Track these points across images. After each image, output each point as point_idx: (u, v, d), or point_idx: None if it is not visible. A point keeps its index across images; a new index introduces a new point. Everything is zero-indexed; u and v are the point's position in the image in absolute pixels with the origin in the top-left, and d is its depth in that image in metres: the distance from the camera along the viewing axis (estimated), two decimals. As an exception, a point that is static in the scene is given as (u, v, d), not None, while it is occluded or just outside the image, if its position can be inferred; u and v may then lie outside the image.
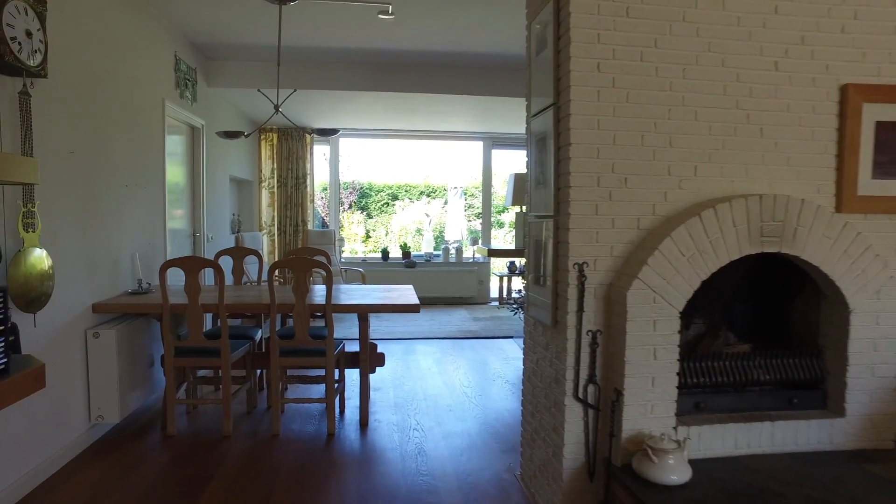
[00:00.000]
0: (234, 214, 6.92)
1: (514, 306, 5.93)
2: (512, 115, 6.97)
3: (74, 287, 3.16)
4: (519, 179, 5.63)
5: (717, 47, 2.26)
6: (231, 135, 4.01)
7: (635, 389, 2.16)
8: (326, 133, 4.19)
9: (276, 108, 4.07)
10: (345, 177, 14.42)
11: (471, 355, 5.51)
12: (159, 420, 3.62)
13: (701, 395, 2.36)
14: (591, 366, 2.25)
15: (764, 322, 2.61)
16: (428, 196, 14.60)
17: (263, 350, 4.02)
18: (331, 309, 3.39)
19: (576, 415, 2.27)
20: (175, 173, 4.94)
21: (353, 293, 3.98)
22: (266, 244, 7.94)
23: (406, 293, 3.97)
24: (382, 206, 14.70)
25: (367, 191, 14.65)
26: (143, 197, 4.09)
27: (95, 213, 3.39)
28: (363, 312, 3.58)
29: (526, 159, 2.76)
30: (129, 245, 3.83)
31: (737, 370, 2.38)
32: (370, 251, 14.08)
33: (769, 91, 2.30)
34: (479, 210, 14.62)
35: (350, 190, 14.32)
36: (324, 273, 3.40)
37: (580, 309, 2.23)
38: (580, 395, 2.26)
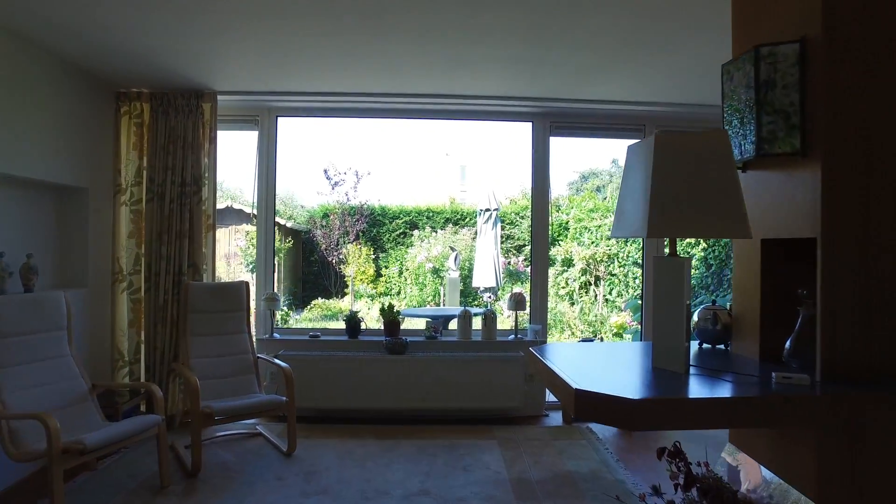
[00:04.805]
0: (2, 254, 3.23)
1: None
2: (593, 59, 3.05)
3: None
4: (673, 166, 1.70)
5: None
6: None
7: None
8: None
9: None
10: (350, 199, 10.93)
11: None
12: None
13: None
14: None
15: None
16: (455, 224, 10.71)
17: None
18: None
19: None
20: None
21: None
22: (126, 308, 4.20)
23: None
24: (398, 236, 10.89)
25: (380, 217, 10.91)
26: None
27: None
28: None
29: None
30: None
31: None
32: (380, 292, 10.36)
33: None
34: (520, 240, 10.59)
35: (357, 216, 10.64)
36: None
37: None
38: None
